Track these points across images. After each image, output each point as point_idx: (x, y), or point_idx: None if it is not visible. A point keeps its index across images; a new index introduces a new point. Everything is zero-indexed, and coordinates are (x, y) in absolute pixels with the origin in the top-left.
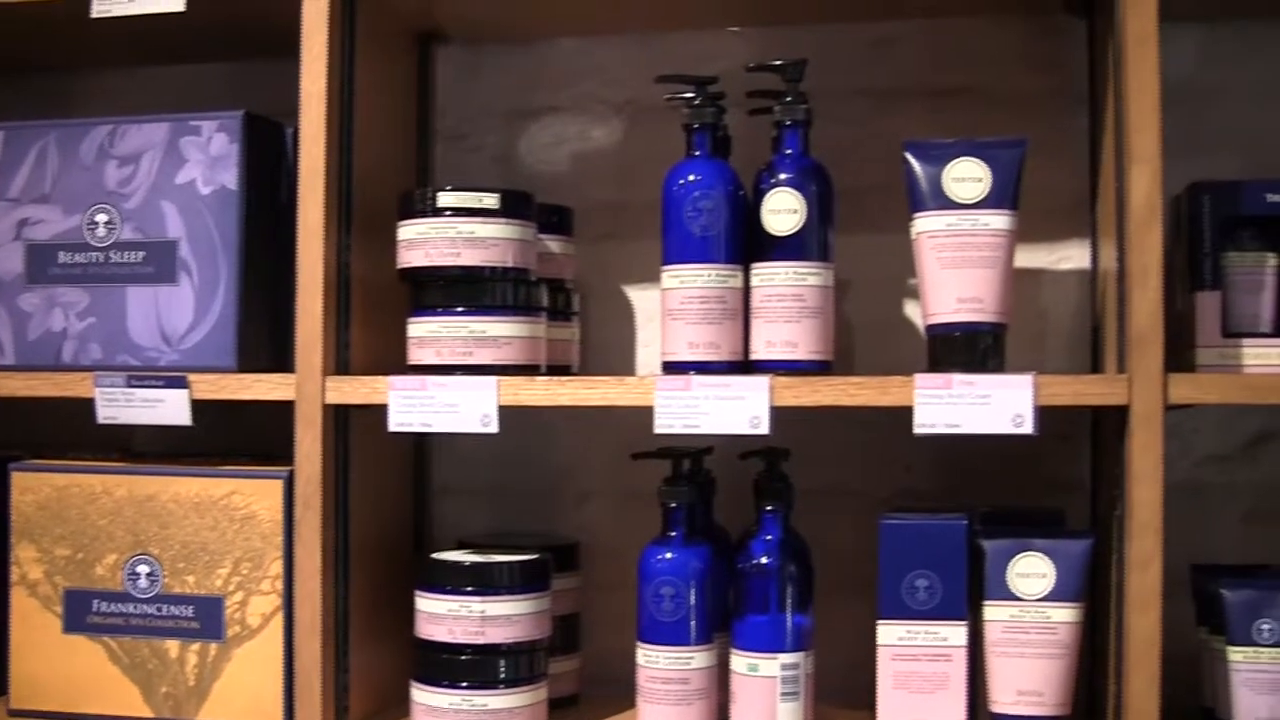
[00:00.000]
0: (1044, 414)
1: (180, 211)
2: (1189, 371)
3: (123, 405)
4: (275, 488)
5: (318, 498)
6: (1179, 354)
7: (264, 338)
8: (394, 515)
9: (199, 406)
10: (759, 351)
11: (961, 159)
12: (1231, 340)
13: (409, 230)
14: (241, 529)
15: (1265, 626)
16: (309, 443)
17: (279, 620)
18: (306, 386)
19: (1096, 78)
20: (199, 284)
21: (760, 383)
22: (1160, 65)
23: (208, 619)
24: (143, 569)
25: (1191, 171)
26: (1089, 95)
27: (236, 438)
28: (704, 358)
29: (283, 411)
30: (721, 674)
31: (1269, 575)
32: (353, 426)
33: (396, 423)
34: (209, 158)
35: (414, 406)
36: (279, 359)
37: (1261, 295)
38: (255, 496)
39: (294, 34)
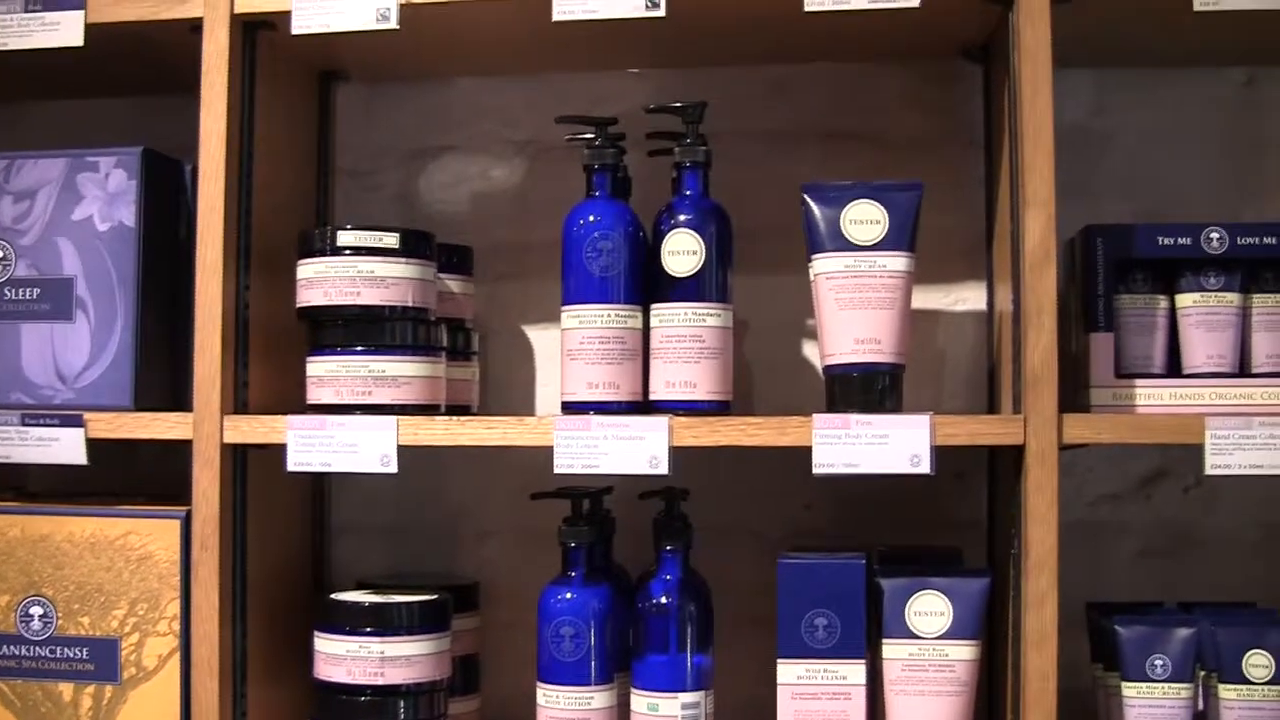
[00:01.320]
0: (941, 453)
1: (77, 248)
2: (1083, 411)
3: (17, 444)
4: (172, 528)
5: (215, 538)
6: (1073, 394)
7: (161, 376)
8: (292, 555)
9: (95, 445)
10: (658, 392)
11: (859, 201)
12: (1124, 380)
13: (308, 269)
14: (138, 569)
15: (1159, 662)
16: (206, 482)
17: (176, 661)
18: (204, 426)
19: (992, 123)
20: (95, 322)
21: (659, 423)
22: (1054, 111)
23: (103, 661)
24: (36, 610)
25: (1085, 215)
26: (985, 140)
27: (133, 477)
28: (603, 398)
29: (180, 451)
30: (622, 714)
31: (1162, 612)
32: (251, 466)
33: (295, 462)
34: (107, 194)
35: (313, 446)
36: (177, 398)
37: (1153, 336)
38: (152, 537)
39: (194, 70)
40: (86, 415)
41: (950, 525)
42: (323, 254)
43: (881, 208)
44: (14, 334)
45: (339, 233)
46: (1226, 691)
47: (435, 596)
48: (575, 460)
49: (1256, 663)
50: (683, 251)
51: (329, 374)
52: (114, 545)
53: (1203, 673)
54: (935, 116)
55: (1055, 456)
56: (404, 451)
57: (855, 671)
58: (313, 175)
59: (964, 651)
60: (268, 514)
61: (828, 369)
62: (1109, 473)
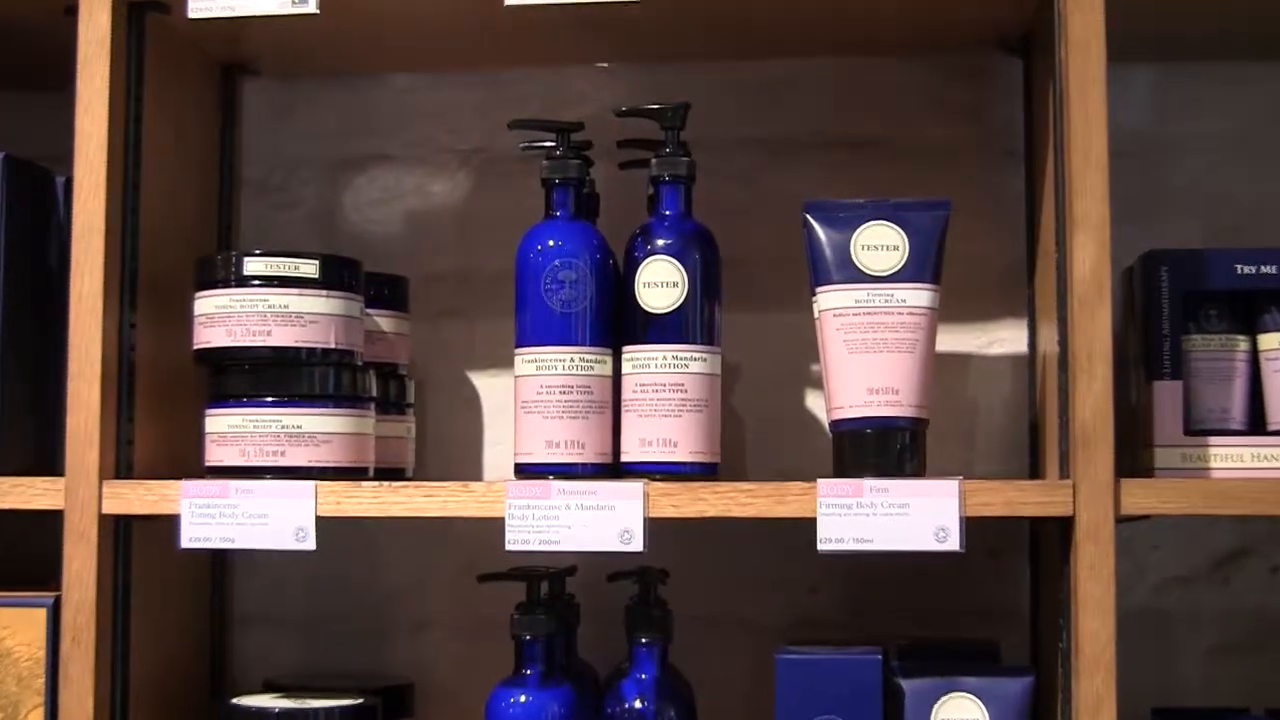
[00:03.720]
0: (973, 527)
1: None
2: (1145, 476)
3: None
4: (37, 618)
5: (90, 630)
6: (1133, 455)
7: (26, 433)
8: (186, 651)
9: None
10: (631, 452)
11: (873, 223)
12: (1196, 438)
13: (208, 303)
14: None
15: None
16: (81, 562)
17: None
18: (79, 493)
19: (1033, 128)
20: None
21: (633, 489)
22: (1109, 114)
23: None
24: None
25: (1146, 239)
26: (1025, 149)
27: None
28: (566, 459)
29: (49, 523)
30: None
31: None
32: (136, 541)
33: (191, 537)
34: None
35: (213, 518)
36: (44, 459)
37: (1231, 385)
38: (11, 629)
39: (68, 62)
40: None
41: (984, 614)
42: (226, 285)
43: (900, 231)
44: None
45: (245, 259)
46: None
47: (360, 701)
48: (532, 535)
49: None
50: (661, 283)
51: (233, 430)
52: None
53: None
54: (964, 121)
55: (1111, 531)
56: (324, 524)
57: None
58: (214, 189)
59: None
60: (156, 600)
61: (836, 425)
62: (1178, 551)
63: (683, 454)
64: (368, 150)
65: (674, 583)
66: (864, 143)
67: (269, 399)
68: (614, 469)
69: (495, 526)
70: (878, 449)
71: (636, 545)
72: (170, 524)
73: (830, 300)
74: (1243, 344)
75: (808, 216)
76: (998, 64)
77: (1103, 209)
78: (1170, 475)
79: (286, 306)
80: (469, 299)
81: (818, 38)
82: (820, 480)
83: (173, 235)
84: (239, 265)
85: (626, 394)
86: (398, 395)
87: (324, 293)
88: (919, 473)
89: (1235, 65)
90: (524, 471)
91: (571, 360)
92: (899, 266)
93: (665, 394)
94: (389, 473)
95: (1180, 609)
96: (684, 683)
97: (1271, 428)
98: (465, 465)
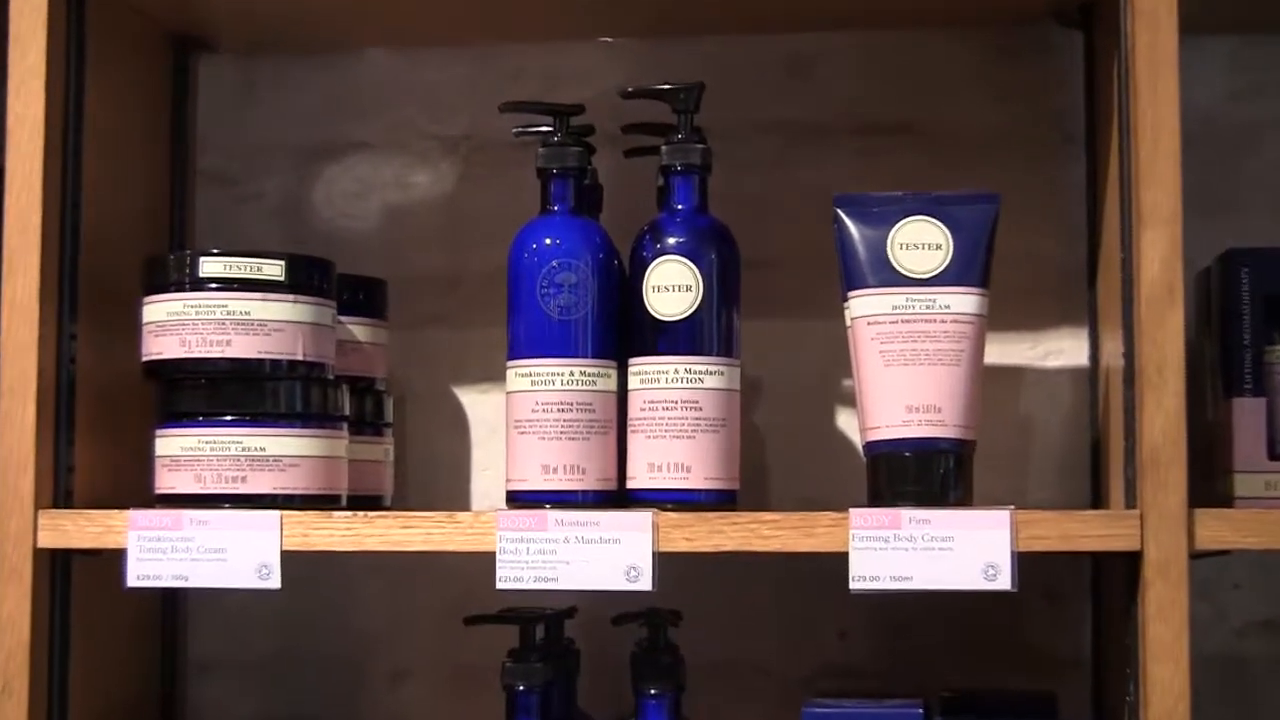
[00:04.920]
0: (1027, 563)
1: None
2: (1223, 506)
3: None
4: None
5: (24, 678)
6: (1209, 482)
7: None
8: (133, 702)
9: None
10: (639, 478)
11: (913, 219)
12: None
13: (159, 309)
14: None
15: None
16: (14, 602)
17: None
18: (11, 524)
19: (1096, 110)
20: None
21: (640, 520)
22: (1181, 94)
23: None
24: None
25: (1224, 236)
26: (1086, 135)
27: None
28: (564, 486)
29: None
30: None
31: None
32: (77, 579)
33: (139, 575)
34: None
35: (164, 552)
36: None
37: None
38: None
39: None
40: None
41: (1040, 662)
42: (179, 288)
43: (943, 228)
44: None
45: (201, 259)
46: None
47: None
48: (526, 572)
49: None
50: (673, 287)
51: (187, 453)
52: None
53: None
54: (1016, 102)
55: (1184, 567)
56: (291, 559)
57: None
58: (166, 181)
59: None
60: (99, 645)
61: (870, 447)
62: (1260, 590)
63: (697, 480)
64: (341, 136)
65: (686, 626)
66: (902, 128)
67: (228, 418)
68: (619, 497)
69: (485, 562)
70: (918, 475)
71: (644, 584)
72: (115, 560)
73: (864, 306)
74: None
75: (839, 211)
76: (1054, 38)
77: (1174, 201)
78: (1251, 505)
79: (248, 313)
80: (455, 305)
81: (849, 8)
82: (853, 510)
83: (118, 233)
84: (194, 266)
85: (633, 412)
86: (374, 413)
87: (291, 297)
88: (965, 502)
89: None
90: (517, 500)
91: (571, 374)
92: (942, 268)
93: (677, 412)
94: (364, 501)
95: (1263, 656)
96: None
97: None
98: (450, 493)
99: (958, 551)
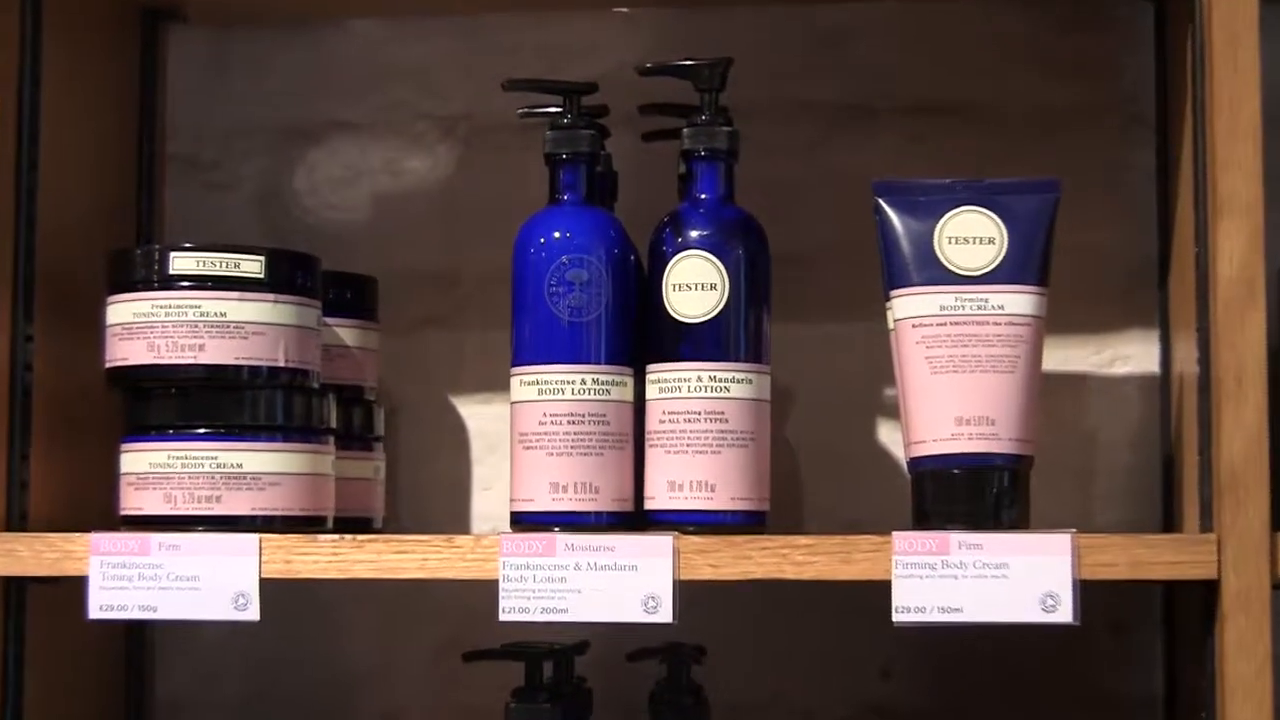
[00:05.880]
0: (1090, 593)
1: None
2: None
3: None
4: None
5: None
6: None
7: None
8: None
9: None
10: (658, 498)
11: (963, 209)
12: None
13: (125, 309)
14: None
15: None
16: None
17: None
18: None
19: (1168, 88)
20: None
21: (660, 545)
22: (1263, 67)
23: None
24: None
25: None
26: (1156, 115)
27: None
28: (575, 506)
29: None
30: None
31: None
32: (32, 609)
33: (102, 605)
34: None
35: (130, 580)
36: None
37: None
38: None
39: None
40: None
41: (1105, 703)
42: (147, 286)
43: (997, 219)
44: None
45: (172, 254)
46: None
47: None
48: (532, 602)
49: None
50: (696, 285)
51: (156, 470)
52: None
53: None
54: (1078, 79)
55: (1267, 598)
56: (271, 588)
57: None
58: (132, 166)
59: None
60: (57, 682)
61: (916, 463)
62: None
63: (722, 500)
64: (325, 116)
65: (710, 663)
66: (950, 107)
67: (201, 431)
68: (636, 519)
69: (486, 591)
70: (968, 494)
71: (664, 615)
72: (76, 589)
73: (909, 307)
74: None
75: (880, 201)
76: (1120, 7)
77: (1255, 188)
78: None
79: (223, 314)
80: (453, 305)
81: None
82: (896, 534)
83: (80, 225)
84: (163, 262)
85: (652, 424)
86: (363, 426)
87: (271, 297)
88: (1021, 524)
89: None
90: (523, 522)
91: (582, 382)
92: (996, 264)
93: (700, 424)
94: (352, 523)
95: None
96: None
97: None
98: (448, 514)
99: (1013, 580)
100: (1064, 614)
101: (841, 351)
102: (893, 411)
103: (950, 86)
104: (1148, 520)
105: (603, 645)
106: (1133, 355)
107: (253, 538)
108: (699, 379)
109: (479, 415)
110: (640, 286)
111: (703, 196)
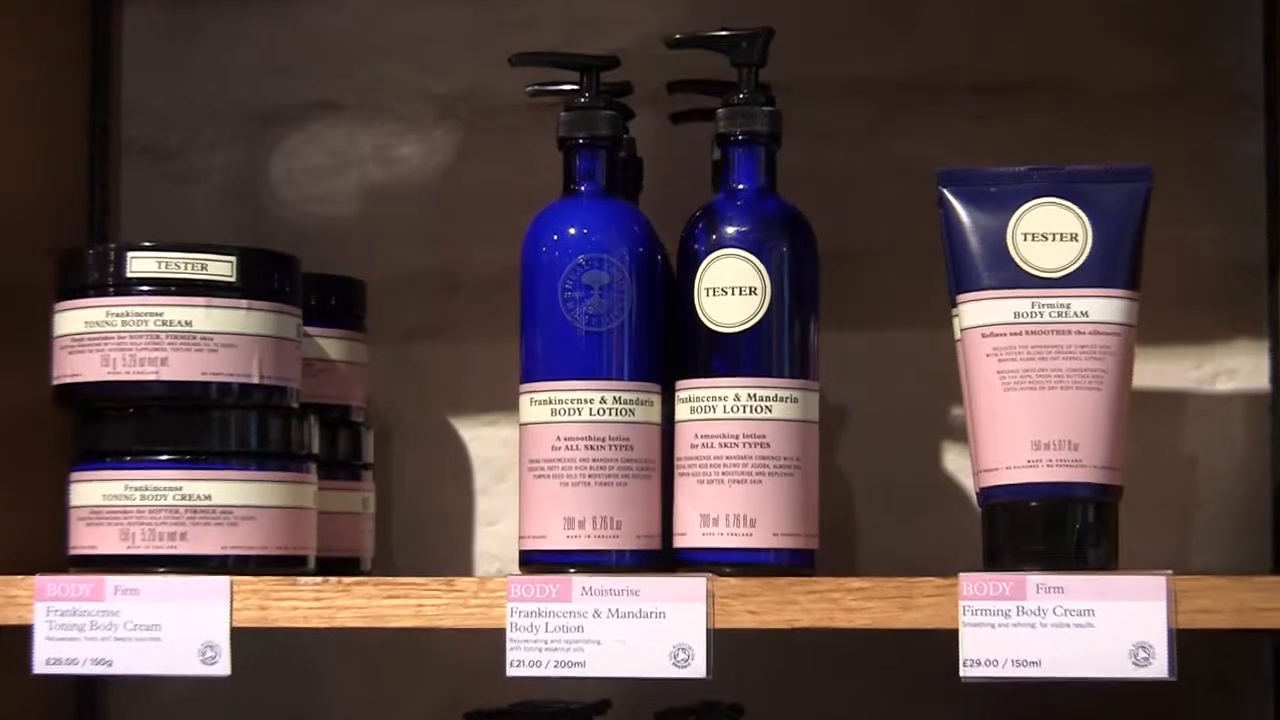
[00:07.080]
0: (1189, 644)
1: None
2: None
3: None
4: None
5: None
6: None
7: None
8: None
9: None
10: (690, 535)
11: (1040, 202)
12: None
13: (76, 318)
14: None
15: None
16: None
17: None
18: None
19: (1277, 62)
20: None
21: (692, 588)
22: None
23: None
24: None
25: None
26: (1265, 94)
27: None
28: (594, 545)
29: None
30: None
31: None
32: None
33: (49, 659)
34: None
35: (81, 630)
36: None
37: None
38: None
39: None
40: None
41: None
42: (102, 292)
43: (1079, 213)
44: None
45: (130, 255)
46: None
47: None
48: (544, 654)
49: None
50: (733, 289)
51: (111, 503)
52: None
53: None
54: (1174, 54)
55: None
56: (243, 638)
57: None
58: (84, 155)
59: None
60: None
61: (987, 494)
62: None
63: (763, 537)
64: (305, 97)
65: None
66: (1023, 85)
67: (163, 458)
68: (664, 559)
69: (492, 642)
70: (1048, 530)
71: (697, 669)
72: (19, 639)
73: (978, 314)
74: None
75: (945, 192)
76: None
77: None
78: None
79: (189, 324)
80: (453, 313)
81: None
82: (964, 575)
83: (25, 222)
84: (120, 263)
85: (682, 450)
86: (350, 452)
87: (244, 303)
88: (1109, 565)
89: None
90: (533, 562)
91: (602, 401)
92: (1078, 264)
93: (739, 450)
94: (338, 564)
95: None
96: None
97: None
98: (448, 553)
99: (1099, 629)
100: (1158, 668)
101: (900, 365)
102: (960, 434)
103: (1028, 60)
104: (1256, 561)
105: (626, 704)
106: (1238, 369)
107: (223, 581)
108: (736, 397)
109: (482, 439)
110: (668, 291)
111: (740, 187)
